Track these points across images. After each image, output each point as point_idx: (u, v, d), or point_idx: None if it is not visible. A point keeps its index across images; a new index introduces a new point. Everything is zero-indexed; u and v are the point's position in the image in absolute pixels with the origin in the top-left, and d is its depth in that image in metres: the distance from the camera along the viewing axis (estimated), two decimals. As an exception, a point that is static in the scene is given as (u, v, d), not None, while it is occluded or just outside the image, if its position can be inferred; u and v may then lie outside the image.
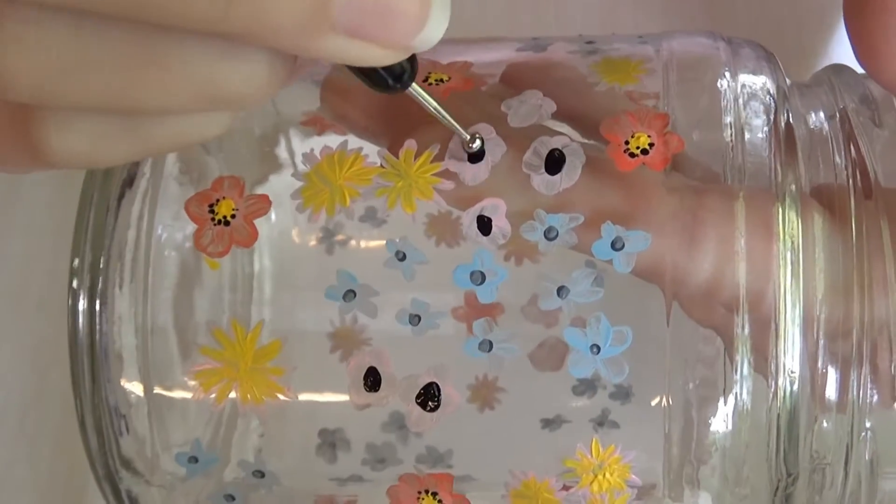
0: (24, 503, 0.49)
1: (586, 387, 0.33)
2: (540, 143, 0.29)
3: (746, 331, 0.28)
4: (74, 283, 0.32)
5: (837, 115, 0.32)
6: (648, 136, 0.29)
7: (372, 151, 0.30)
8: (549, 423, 0.33)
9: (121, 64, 0.24)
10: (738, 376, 0.29)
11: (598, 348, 0.28)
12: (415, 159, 0.29)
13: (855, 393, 0.29)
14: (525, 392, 0.33)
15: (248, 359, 0.30)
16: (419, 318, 0.29)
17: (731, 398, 0.29)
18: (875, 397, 0.29)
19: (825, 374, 0.29)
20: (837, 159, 0.31)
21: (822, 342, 0.29)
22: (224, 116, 0.26)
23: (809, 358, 0.29)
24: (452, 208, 0.30)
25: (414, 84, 0.27)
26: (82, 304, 0.32)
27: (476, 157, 0.30)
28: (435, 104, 0.28)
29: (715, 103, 0.31)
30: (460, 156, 0.30)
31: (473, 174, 0.30)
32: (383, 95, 0.26)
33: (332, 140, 0.30)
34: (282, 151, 0.35)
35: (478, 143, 0.30)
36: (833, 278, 0.29)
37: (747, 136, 0.30)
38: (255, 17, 0.22)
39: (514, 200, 0.30)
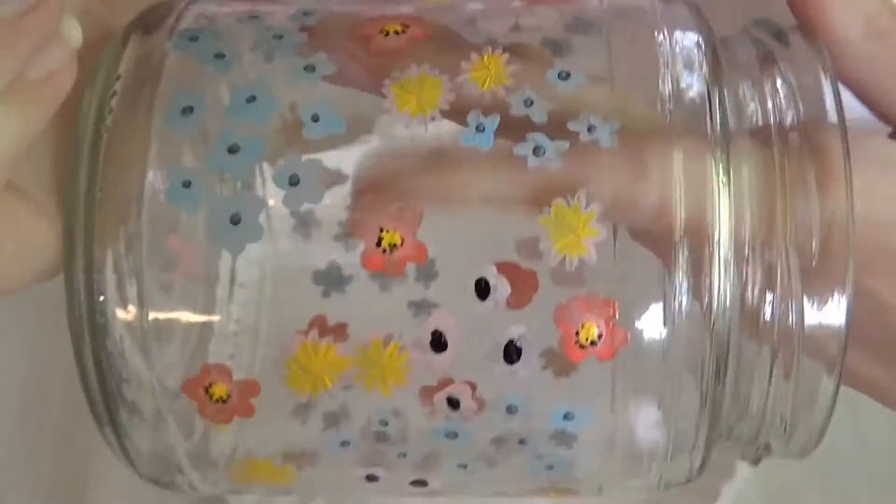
0: (24, 503, 0.49)
1: None
2: None
3: (683, 256, 0.31)
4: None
5: (759, 61, 0.35)
6: (597, 327, 0.31)
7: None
8: None
9: None
10: (676, 294, 0.31)
11: None
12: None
13: (776, 312, 0.32)
14: None
15: None
16: None
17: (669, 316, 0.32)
18: (795, 316, 0.32)
19: (755, 297, 0.32)
20: (762, 104, 0.34)
21: (750, 268, 0.32)
22: None
23: (739, 282, 0.32)
24: None
25: None
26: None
27: None
28: None
29: (652, 58, 0.33)
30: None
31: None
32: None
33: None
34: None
35: None
36: (760, 209, 0.32)
37: (682, 87, 0.33)
38: None
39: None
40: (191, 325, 0.35)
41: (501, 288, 0.32)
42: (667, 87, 0.32)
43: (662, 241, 0.31)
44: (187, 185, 0.32)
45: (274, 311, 0.38)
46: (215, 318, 0.37)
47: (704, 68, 0.33)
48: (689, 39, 0.34)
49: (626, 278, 0.32)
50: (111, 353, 0.33)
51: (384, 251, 0.31)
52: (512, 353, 0.32)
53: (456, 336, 0.32)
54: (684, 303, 0.31)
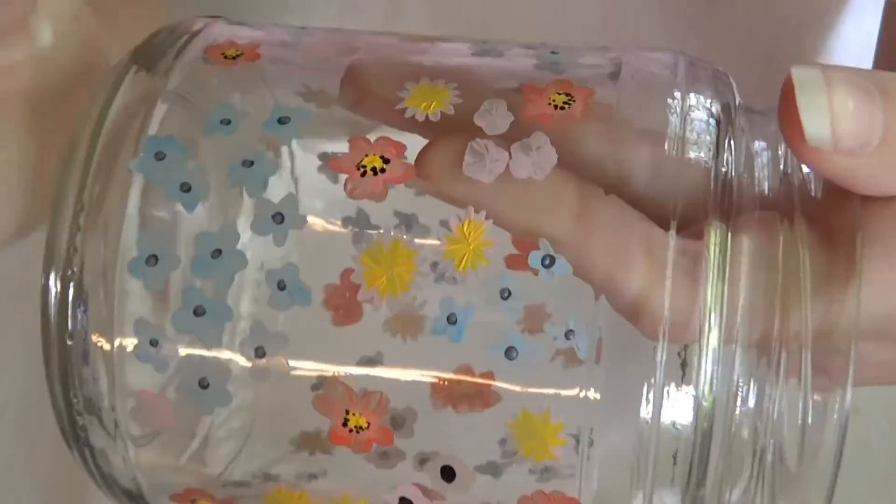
0: (24, 503, 0.49)
1: None
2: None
3: (663, 359, 0.30)
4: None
5: (778, 145, 0.33)
6: None
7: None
8: None
9: None
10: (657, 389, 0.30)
11: None
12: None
13: (768, 409, 0.30)
14: None
15: None
16: None
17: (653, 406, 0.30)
18: (784, 414, 0.30)
19: (742, 395, 0.30)
20: (770, 184, 0.32)
21: (738, 366, 0.30)
22: None
23: (727, 379, 0.30)
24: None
25: None
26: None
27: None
28: None
29: (662, 122, 0.32)
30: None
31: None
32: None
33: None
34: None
35: None
36: (755, 301, 0.30)
37: (690, 155, 0.31)
38: None
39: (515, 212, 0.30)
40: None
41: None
42: (672, 151, 0.31)
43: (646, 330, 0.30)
44: (154, 344, 0.31)
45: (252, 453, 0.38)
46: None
47: (712, 135, 0.32)
48: (702, 108, 0.32)
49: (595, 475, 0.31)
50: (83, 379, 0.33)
51: (350, 431, 0.31)
52: None
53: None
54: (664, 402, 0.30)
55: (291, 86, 0.34)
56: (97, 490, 0.49)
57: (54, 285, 0.33)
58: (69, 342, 0.33)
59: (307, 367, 0.32)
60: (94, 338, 0.33)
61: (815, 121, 0.29)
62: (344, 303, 0.32)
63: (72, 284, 0.33)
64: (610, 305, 0.30)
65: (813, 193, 0.31)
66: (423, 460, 0.32)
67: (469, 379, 0.32)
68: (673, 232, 0.30)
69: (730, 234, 0.30)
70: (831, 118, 0.28)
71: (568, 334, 0.29)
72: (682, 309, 0.29)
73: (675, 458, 0.30)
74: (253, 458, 0.36)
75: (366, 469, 0.33)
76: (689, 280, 0.30)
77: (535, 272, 0.29)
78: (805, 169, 0.32)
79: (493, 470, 0.33)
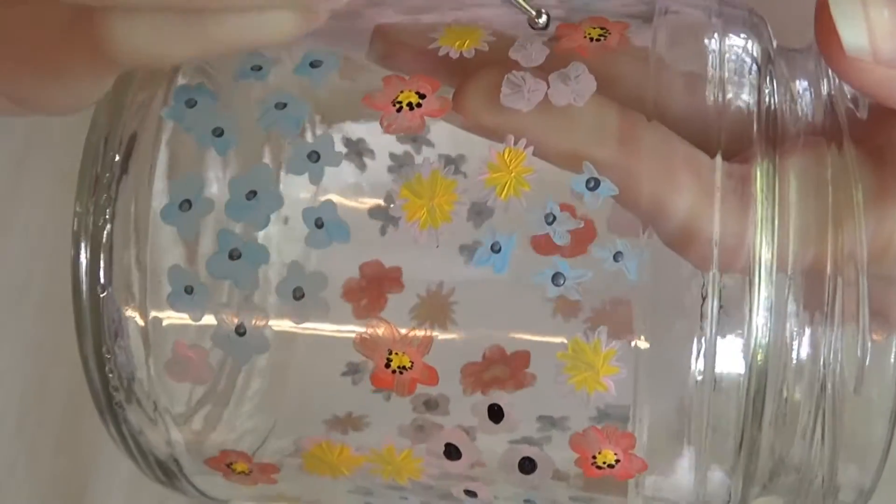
0: (24, 503, 0.48)
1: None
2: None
3: (718, 286, 0.29)
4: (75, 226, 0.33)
5: (820, 81, 0.33)
6: (615, 454, 0.30)
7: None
8: None
9: None
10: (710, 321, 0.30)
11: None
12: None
13: (825, 351, 0.30)
14: None
15: None
16: None
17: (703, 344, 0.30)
18: (841, 357, 0.30)
19: (796, 333, 0.30)
20: (814, 117, 0.32)
21: (792, 300, 0.30)
22: (293, 18, 0.27)
23: (780, 317, 0.30)
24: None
25: None
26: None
27: (544, 32, 0.30)
28: None
29: (701, 63, 0.32)
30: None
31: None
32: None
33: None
34: None
35: (544, 17, 0.30)
36: (807, 219, 0.30)
37: (730, 97, 0.31)
38: None
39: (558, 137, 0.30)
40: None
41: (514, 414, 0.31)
42: (712, 94, 0.31)
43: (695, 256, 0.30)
44: (189, 291, 0.31)
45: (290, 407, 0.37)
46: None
47: (753, 76, 0.32)
48: (740, 45, 0.32)
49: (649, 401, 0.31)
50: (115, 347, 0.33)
51: (393, 372, 0.31)
52: (526, 466, 0.32)
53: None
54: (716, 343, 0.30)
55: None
56: (97, 490, 0.48)
57: (84, 253, 0.32)
58: (102, 314, 0.33)
59: (346, 309, 0.32)
60: (129, 311, 0.33)
61: (852, 30, 0.28)
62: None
63: (102, 251, 0.32)
64: (657, 235, 0.30)
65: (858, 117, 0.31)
66: (469, 403, 0.32)
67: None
68: (719, 155, 0.30)
69: (777, 157, 0.30)
70: (868, 26, 0.28)
71: (616, 256, 0.29)
72: (733, 231, 0.29)
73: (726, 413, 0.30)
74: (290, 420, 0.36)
75: (409, 416, 0.32)
76: (738, 201, 0.29)
77: (580, 196, 0.29)
78: (848, 96, 0.31)
79: None
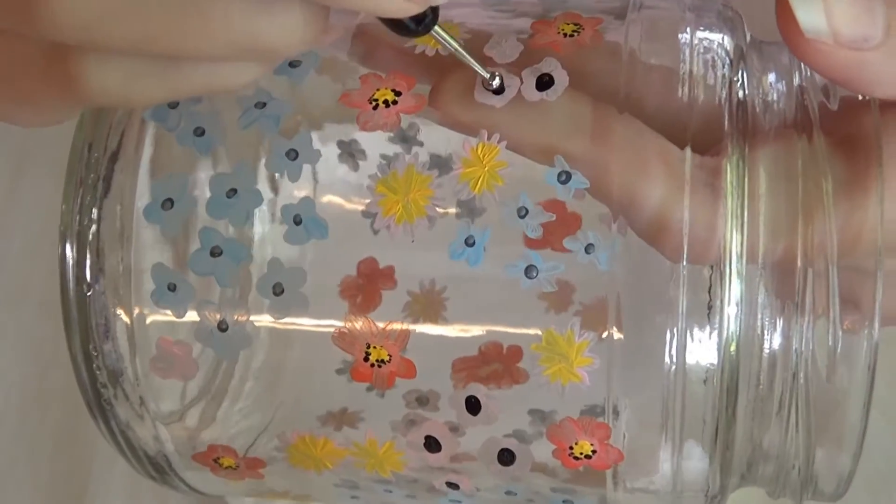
0: (24, 503, 0.49)
1: None
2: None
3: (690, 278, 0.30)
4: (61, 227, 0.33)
5: (792, 75, 0.33)
6: (591, 445, 0.31)
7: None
8: None
9: (163, 11, 0.25)
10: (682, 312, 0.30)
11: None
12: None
13: (796, 340, 0.30)
14: None
15: None
16: None
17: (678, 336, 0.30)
18: (812, 347, 0.30)
19: (768, 324, 0.30)
20: (786, 110, 0.32)
21: (763, 291, 0.30)
22: (255, 66, 0.28)
23: (751, 308, 0.30)
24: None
25: (436, 27, 0.28)
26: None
27: (497, 92, 0.30)
28: (456, 45, 0.29)
29: (674, 57, 0.32)
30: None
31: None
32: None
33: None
34: None
35: (497, 80, 0.30)
36: (776, 211, 0.30)
37: (701, 90, 0.31)
38: None
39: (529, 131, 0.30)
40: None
41: (493, 406, 0.31)
42: (684, 88, 0.31)
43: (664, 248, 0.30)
44: (172, 288, 0.32)
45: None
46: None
47: (726, 69, 0.32)
48: (712, 39, 0.33)
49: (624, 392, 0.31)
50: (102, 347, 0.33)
51: (372, 366, 0.31)
52: (505, 458, 0.32)
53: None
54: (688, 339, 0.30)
55: None
56: (97, 490, 0.48)
57: (71, 252, 0.33)
58: (89, 312, 0.33)
59: (326, 303, 0.32)
60: (115, 309, 0.33)
61: (808, 11, 0.28)
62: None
63: (88, 250, 0.33)
64: (629, 226, 0.30)
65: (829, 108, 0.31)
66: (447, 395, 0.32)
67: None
68: (689, 148, 0.30)
69: (747, 149, 0.30)
70: (824, 6, 0.28)
71: (588, 248, 0.29)
72: (703, 222, 0.29)
73: (702, 401, 0.30)
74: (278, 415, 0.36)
75: (401, 412, 0.33)
76: (709, 192, 0.29)
77: (554, 190, 0.29)
78: (819, 88, 0.32)
79: None
